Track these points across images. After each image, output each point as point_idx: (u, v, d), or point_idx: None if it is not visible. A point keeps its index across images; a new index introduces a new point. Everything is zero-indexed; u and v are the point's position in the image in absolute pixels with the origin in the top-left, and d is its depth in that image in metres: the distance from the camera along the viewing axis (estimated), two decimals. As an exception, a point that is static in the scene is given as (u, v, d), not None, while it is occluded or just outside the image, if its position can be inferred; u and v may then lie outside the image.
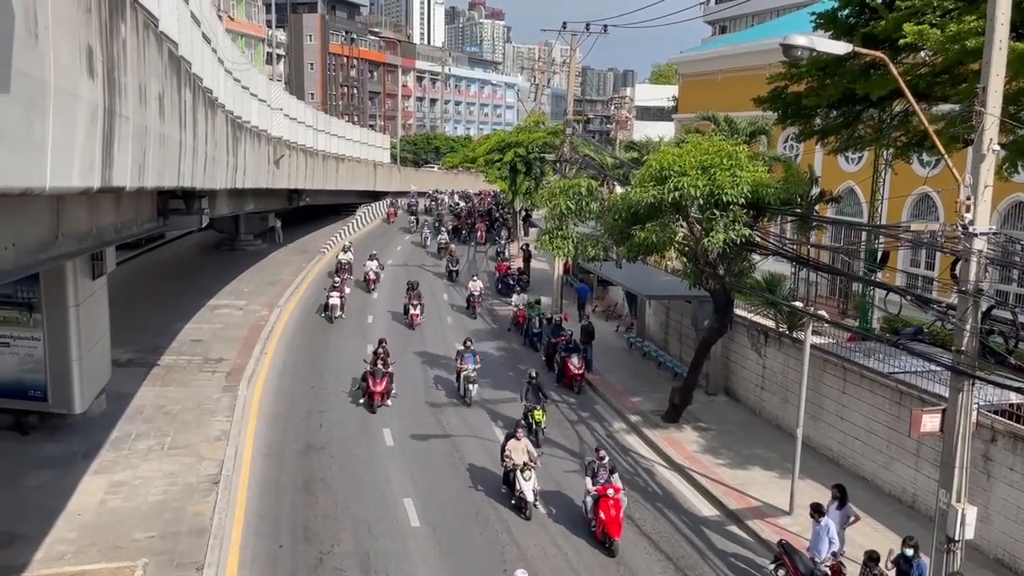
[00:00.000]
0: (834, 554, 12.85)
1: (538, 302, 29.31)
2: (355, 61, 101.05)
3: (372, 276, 34.44)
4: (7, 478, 15.58)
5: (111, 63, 8.27)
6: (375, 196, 62.08)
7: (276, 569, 13.31)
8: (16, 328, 17.34)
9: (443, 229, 47.74)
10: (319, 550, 13.88)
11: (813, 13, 20.67)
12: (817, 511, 12.75)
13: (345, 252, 36.99)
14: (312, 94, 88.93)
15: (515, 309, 29.95)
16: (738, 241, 16.55)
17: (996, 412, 14.47)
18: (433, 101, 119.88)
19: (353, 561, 13.58)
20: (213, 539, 13.71)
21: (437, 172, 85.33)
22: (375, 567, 13.44)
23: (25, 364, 17.45)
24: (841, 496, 13.51)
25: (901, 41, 15.80)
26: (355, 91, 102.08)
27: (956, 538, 10.78)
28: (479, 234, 50.41)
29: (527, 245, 42.90)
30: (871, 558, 11.64)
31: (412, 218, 56.08)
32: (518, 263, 39.47)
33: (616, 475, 14.63)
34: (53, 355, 17.30)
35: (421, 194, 69.45)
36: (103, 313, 19.35)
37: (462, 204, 65.11)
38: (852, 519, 13.48)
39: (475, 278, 32.44)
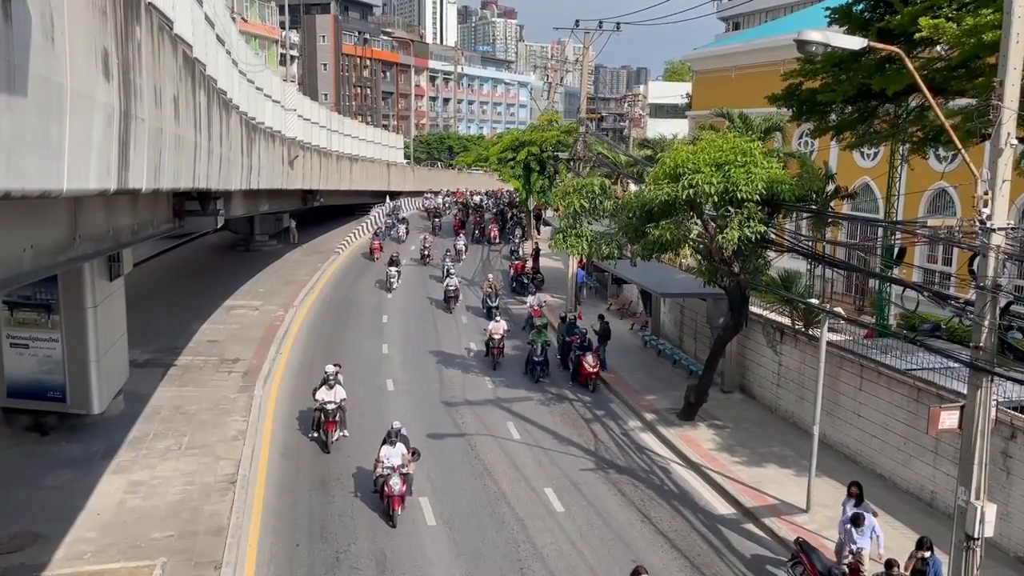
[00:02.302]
0: (852, 552, 12.80)
1: (545, 327, 24.98)
2: (368, 61, 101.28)
3: (399, 489, 14.78)
4: (28, 478, 15.75)
5: (126, 66, 8.33)
6: (390, 196, 62.19)
7: (293, 568, 13.37)
8: (35, 330, 17.50)
9: (452, 272, 33.39)
10: (336, 549, 13.93)
11: (827, 8, 20.55)
12: (856, 522, 12.66)
13: (330, 387, 18.54)
14: (326, 95, 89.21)
15: (530, 309, 29.37)
16: (753, 238, 16.49)
17: (1015, 408, 14.36)
18: (446, 100, 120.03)
19: (369, 560, 13.62)
20: (230, 538, 13.78)
21: (453, 172, 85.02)
22: (391, 566, 13.48)
23: (44, 365, 17.61)
24: (859, 493, 13.44)
25: (917, 35, 15.69)
26: (368, 91, 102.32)
27: (975, 536, 10.70)
28: (492, 235, 50.26)
29: (537, 243, 43.03)
30: (890, 565, 11.57)
31: (393, 269, 35.93)
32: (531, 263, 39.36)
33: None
34: (71, 356, 17.45)
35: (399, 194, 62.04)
36: (120, 314, 19.50)
37: (479, 200, 64.25)
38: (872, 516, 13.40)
39: (498, 317, 26.61)
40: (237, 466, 16.67)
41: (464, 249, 43.46)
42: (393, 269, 35.79)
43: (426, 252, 41.99)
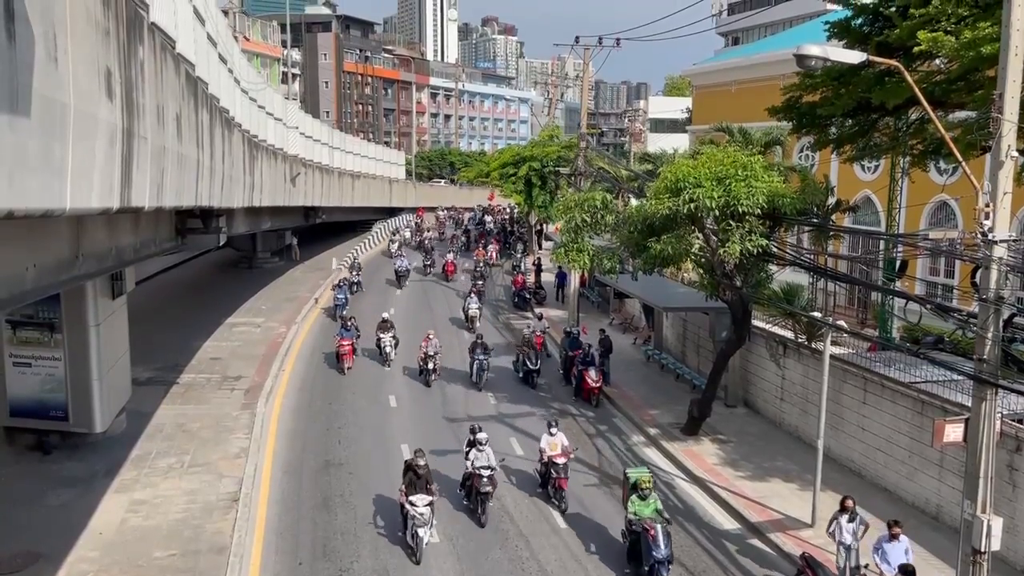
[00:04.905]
0: (854, 568, 12.72)
1: (651, 492, 13.94)
2: (369, 79, 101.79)
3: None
4: (30, 497, 15.70)
5: (129, 85, 8.36)
6: (391, 212, 62.29)
7: (296, 586, 13.28)
8: (38, 348, 17.50)
9: (482, 440, 15.88)
10: (338, 567, 13.86)
11: (826, 22, 20.66)
12: (897, 525, 12.56)
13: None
14: (327, 112, 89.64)
15: (533, 335, 26.41)
16: (755, 251, 16.50)
17: (1020, 421, 14.29)
18: (447, 117, 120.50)
19: (373, 578, 13.52)
20: (233, 557, 13.73)
21: (454, 188, 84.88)
22: (395, 583, 13.36)
23: (46, 384, 17.60)
24: (852, 507, 13.29)
25: (916, 49, 15.75)
26: (370, 108, 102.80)
27: (982, 549, 10.64)
28: (491, 255, 46.80)
29: (539, 258, 42.90)
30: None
31: (421, 519, 14.06)
32: (532, 277, 39.17)
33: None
34: (74, 374, 17.45)
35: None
36: (123, 332, 19.51)
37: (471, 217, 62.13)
38: (864, 529, 13.31)
39: (554, 427, 16.96)
40: (240, 484, 16.62)
41: (478, 313, 31.63)
42: (421, 521, 14.17)
43: (431, 365, 24.32)
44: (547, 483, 16.75)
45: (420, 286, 40.37)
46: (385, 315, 26.95)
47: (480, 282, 36.70)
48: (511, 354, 27.27)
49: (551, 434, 16.79)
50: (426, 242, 48.52)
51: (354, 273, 38.07)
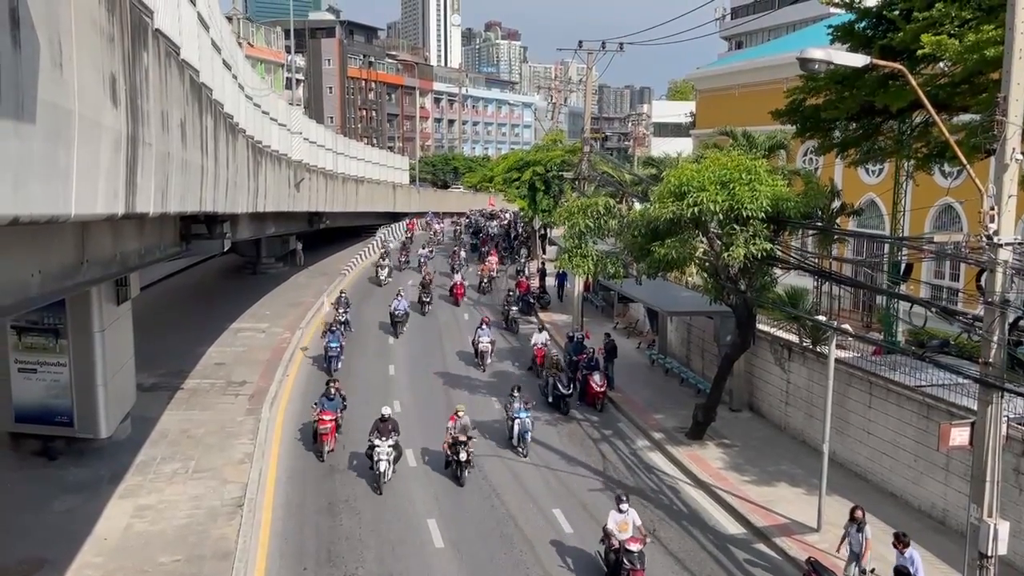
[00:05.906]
0: (863, 571, 12.67)
1: None
2: (373, 84, 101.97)
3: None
4: (35, 503, 15.71)
5: (134, 91, 8.38)
6: (394, 217, 62.36)
7: (301, 592, 13.24)
8: (42, 354, 17.54)
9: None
10: (343, 572, 13.85)
11: (830, 26, 20.68)
12: (900, 541, 12.41)
13: None
14: (331, 117, 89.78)
15: (534, 348, 25.90)
16: (759, 255, 16.47)
17: (1026, 425, 14.23)
18: (451, 122, 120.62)
19: (377, 583, 13.46)
20: (238, 562, 13.73)
21: (458, 193, 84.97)
22: (400, 589, 13.29)
23: (51, 390, 17.64)
24: (862, 517, 13.23)
25: (919, 52, 15.75)
26: (373, 113, 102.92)
27: (989, 554, 10.59)
28: (492, 266, 44.49)
29: (543, 263, 42.91)
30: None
31: None
32: (537, 282, 39.14)
33: None
34: (79, 380, 17.48)
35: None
36: (128, 338, 19.54)
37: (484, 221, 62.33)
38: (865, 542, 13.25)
39: (625, 502, 13.87)
40: (244, 489, 16.62)
41: (490, 347, 27.10)
42: None
43: (463, 455, 17.68)
44: (617, 573, 13.39)
45: (422, 324, 33.41)
46: (386, 411, 18.11)
47: (513, 308, 32.51)
48: (513, 358, 27.26)
49: (620, 511, 13.70)
50: (425, 274, 39.03)
51: (341, 311, 30.55)
